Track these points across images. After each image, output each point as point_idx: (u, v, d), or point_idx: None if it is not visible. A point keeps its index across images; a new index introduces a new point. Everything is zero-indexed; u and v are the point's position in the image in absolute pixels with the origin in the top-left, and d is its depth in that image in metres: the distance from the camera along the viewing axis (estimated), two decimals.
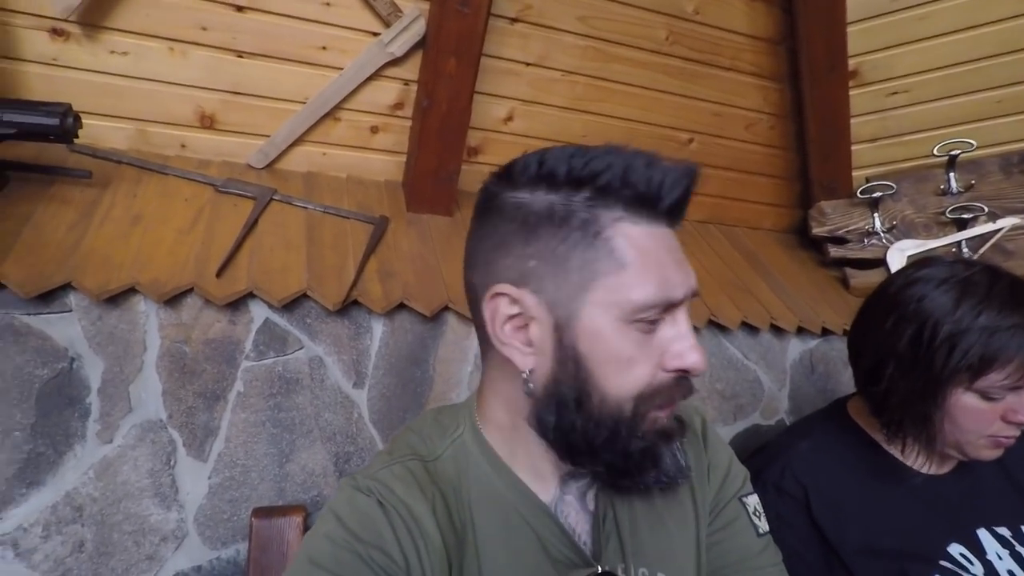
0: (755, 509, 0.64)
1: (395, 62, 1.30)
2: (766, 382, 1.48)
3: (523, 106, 1.47)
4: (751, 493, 0.65)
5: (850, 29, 1.49)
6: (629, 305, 0.48)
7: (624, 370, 0.49)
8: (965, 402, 0.81)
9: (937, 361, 0.80)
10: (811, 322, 1.49)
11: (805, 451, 0.91)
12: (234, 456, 0.99)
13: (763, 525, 0.63)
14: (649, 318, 0.49)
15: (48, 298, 0.92)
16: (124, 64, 1.15)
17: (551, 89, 1.47)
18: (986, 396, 0.80)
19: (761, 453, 0.97)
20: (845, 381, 1.53)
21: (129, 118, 1.19)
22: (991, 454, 0.83)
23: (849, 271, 1.67)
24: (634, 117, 1.58)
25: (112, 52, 1.13)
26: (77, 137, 0.98)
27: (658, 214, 0.50)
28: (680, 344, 0.50)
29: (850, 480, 0.88)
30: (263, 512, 0.88)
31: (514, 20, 1.37)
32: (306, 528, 0.88)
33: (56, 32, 1.10)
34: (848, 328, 1.51)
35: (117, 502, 0.91)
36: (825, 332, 1.52)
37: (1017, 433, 0.80)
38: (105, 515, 0.90)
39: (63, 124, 0.95)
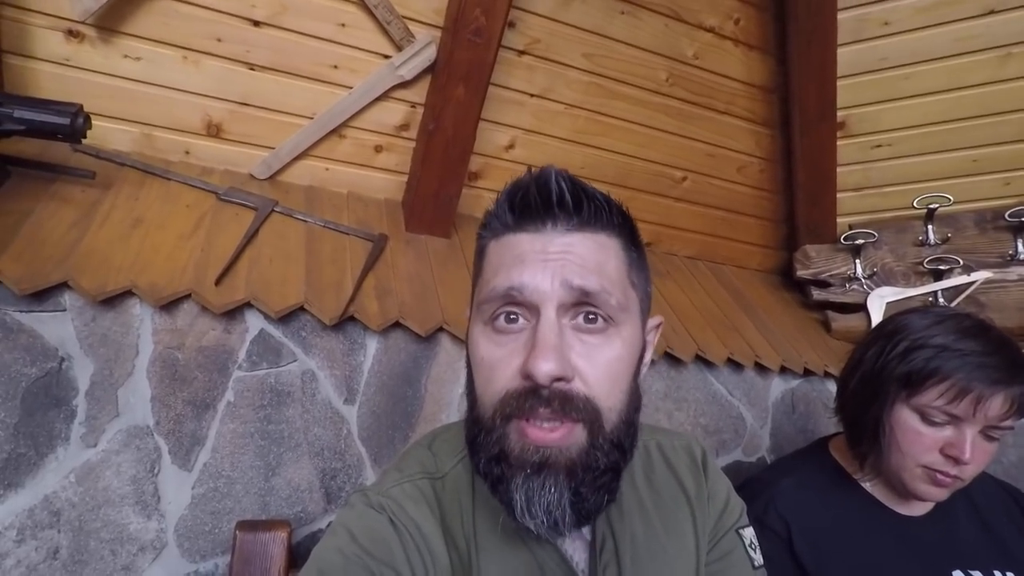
0: (751, 542, 0.64)
1: (403, 85, 1.33)
2: (749, 419, 1.50)
3: (525, 135, 1.51)
4: (747, 526, 0.66)
5: (840, 83, 1.56)
6: (478, 304, 0.51)
7: (485, 373, 0.50)
8: (905, 419, 0.85)
9: (888, 368, 0.86)
10: (793, 362, 1.52)
11: (788, 488, 0.93)
12: (220, 467, 0.98)
13: (758, 558, 0.64)
14: (493, 314, 0.50)
15: (43, 296, 0.91)
16: (136, 69, 1.16)
17: (553, 121, 1.51)
18: (925, 418, 0.83)
19: (744, 489, 0.99)
20: (824, 422, 1.56)
21: (136, 121, 1.19)
22: (930, 491, 0.85)
23: (831, 314, 1.71)
24: (631, 153, 1.63)
25: (125, 56, 1.14)
26: (85, 137, 0.98)
27: (518, 222, 0.52)
28: (531, 348, 0.46)
29: (831, 518, 0.90)
30: (247, 526, 0.86)
31: (522, 52, 1.41)
32: (290, 544, 0.87)
33: (72, 33, 1.10)
34: (828, 370, 1.56)
35: (96, 508, 0.89)
36: (807, 373, 1.55)
37: (956, 473, 0.82)
38: (83, 521, 0.88)
39: (73, 124, 0.95)
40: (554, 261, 0.49)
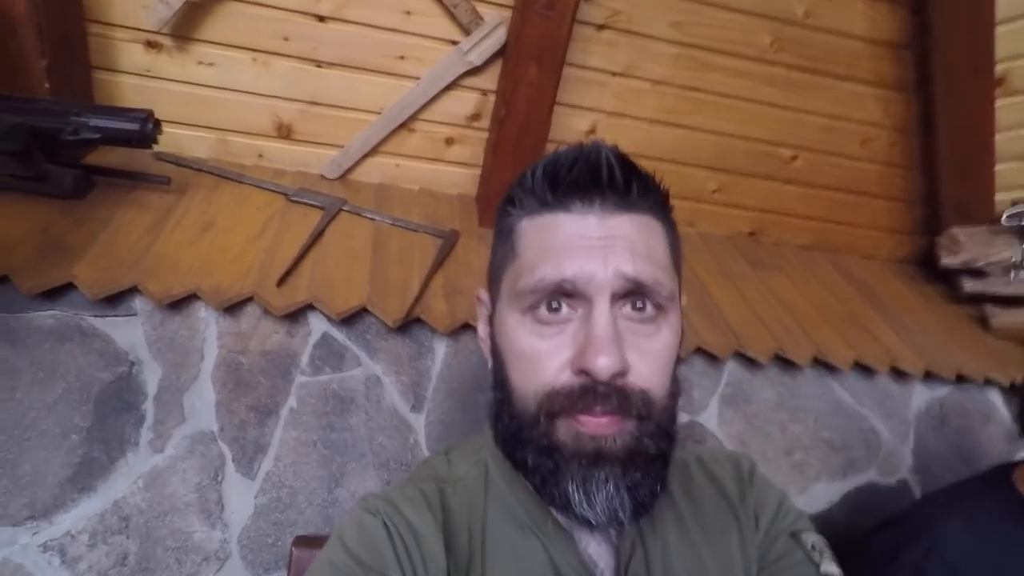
0: (814, 545, 0.53)
1: (473, 71, 1.25)
2: (884, 433, 1.26)
3: (607, 118, 1.38)
4: (809, 530, 0.54)
5: (999, 29, 1.28)
6: (516, 292, 0.47)
7: (525, 366, 0.47)
8: None
9: None
10: (942, 366, 1.26)
11: (957, 530, 0.72)
12: (282, 476, 0.94)
13: (828, 567, 0.51)
14: (534, 303, 0.46)
15: (115, 301, 0.92)
16: (209, 75, 1.17)
17: (638, 100, 1.37)
18: None
19: (895, 526, 0.79)
20: (986, 439, 1.28)
21: (212, 127, 1.21)
22: None
23: (989, 309, 1.42)
24: (730, 131, 1.44)
25: (199, 63, 1.16)
26: (156, 142, 0.99)
27: (560, 199, 0.47)
28: (587, 342, 0.44)
29: (1018, 571, 0.69)
30: (304, 542, 0.81)
31: (601, 27, 1.28)
32: None
33: (150, 44, 1.13)
34: (990, 376, 1.28)
35: (163, 515, 0.88)
36: (960, 379, 1.28)
37: None
38: (150, 528, 0.87)
39: (143, 129, 0.96)
40: (605, 247, 0.45)
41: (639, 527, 0.51)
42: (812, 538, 0.54)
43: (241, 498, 0.92)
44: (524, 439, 0.47)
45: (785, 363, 1.22)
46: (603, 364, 0.42)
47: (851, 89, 1.45)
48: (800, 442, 1.23)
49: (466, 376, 1.06)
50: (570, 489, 0.44)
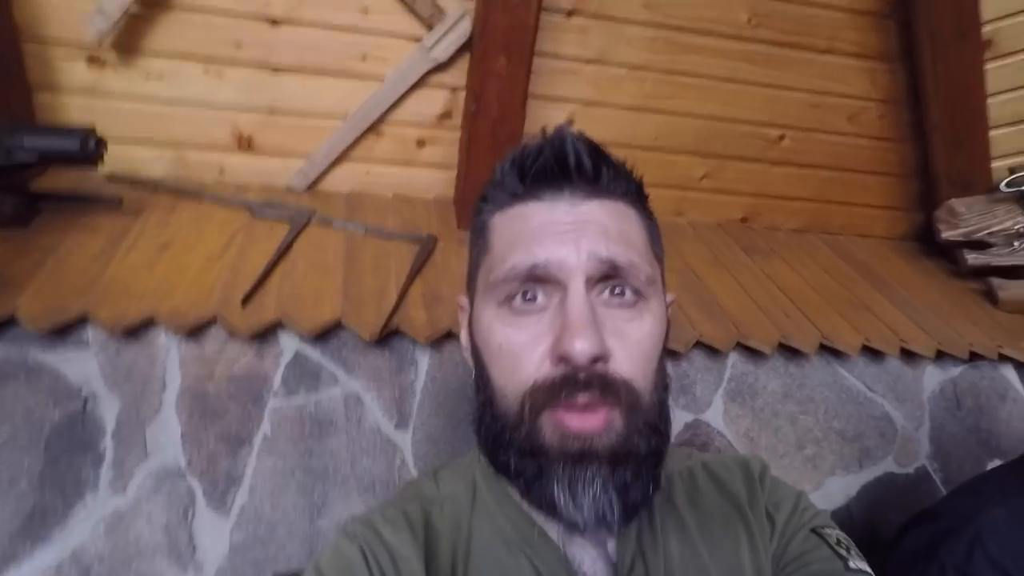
0: (839, 541, 0.49)
1: (440, 68, 1.19)
2: (898, 419, 1.20)
3: (584, 109, 1.32)
4: (833, 527, 0.51)
5: None
6: (490, 284, 0.46)
7: (504, 361, 0.45)
8: None
9: None
10: (954, 345, 1.20)
11: (1001, 522, 0.65)
12: (259, 509, 0.87)
13: (858, 563, 0.47)
14: (509, 294, 0.45)
15: (64, 333, 0.85)
16: (160, 89, 1.10)
17: (615, 88, 1.32)
18: None
19: (930, 522, 0.72)
20: (1004, 418, 1.22)
21: (168, 144, 1.15)
22: None
23: (995, 282, 1.37)
24: (713, 114, 1.39)
25: (148, 76, 1.09)
26: (102, 161, 0.93)
27: (529, 190, 0.47)
28: (563, 327, 0.42)
29: None
30: None
31: (571, 13, 1.23)
32: None
33: (93, 60, 1.07)
34: (1003, 351, 1.22)
35: (128, 561, 0.80)
36: (974, 357, 1.22)
37: None
38: None
39: (84, 148, 0.90)
40: (576, 231, 0.44)
41: (639, 540, 0.48)
42: (836, 534, 0.51)
43: (215, 536, 0.84)
44: (507, 441, 0.45)
45: (790, 352, 1.16)
46: (580, 347, 0.40)
47: (834, 62, 1.40)
48: (811, 434, 1.16)
49: (453, 388, 0.99)
50: (556, 491, 0.42)
